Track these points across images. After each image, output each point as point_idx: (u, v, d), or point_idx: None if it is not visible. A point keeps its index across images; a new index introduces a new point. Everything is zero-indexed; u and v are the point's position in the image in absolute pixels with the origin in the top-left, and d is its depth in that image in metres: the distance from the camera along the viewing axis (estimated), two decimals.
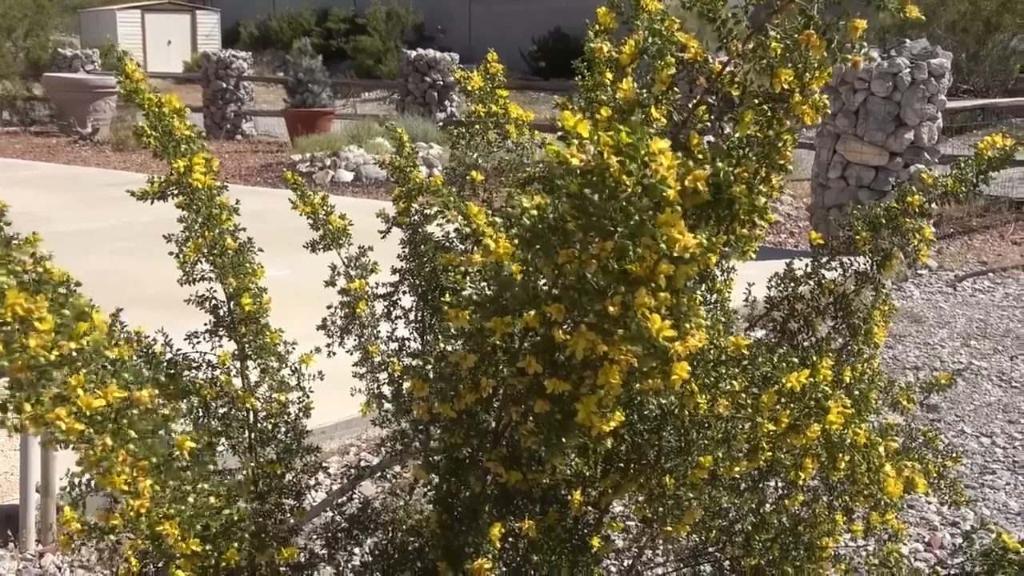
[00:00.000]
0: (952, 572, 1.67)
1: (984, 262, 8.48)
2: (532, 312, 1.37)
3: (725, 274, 2.29)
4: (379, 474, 3.75)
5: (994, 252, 8.88)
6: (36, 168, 13.25)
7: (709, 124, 1.62)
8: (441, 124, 14.07)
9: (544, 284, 1.38)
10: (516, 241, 1.34)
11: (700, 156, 1.40)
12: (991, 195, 10.57)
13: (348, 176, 12.31)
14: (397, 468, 3.29)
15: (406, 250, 2.46)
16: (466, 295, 1.48)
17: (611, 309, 1.25)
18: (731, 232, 1.47)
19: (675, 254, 1.17)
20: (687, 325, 1.32)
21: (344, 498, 2.45)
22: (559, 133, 1.21)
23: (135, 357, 1.72)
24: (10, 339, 1.44)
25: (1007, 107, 10.99)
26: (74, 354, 1.48)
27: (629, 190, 1.14)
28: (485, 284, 1.55)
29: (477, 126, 2.55)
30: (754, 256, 1.63)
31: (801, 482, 2.10)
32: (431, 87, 15.34)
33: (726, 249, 1.52)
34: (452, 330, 1.57)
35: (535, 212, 1.31)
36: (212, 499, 1.70)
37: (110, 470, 1.48)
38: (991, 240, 9.34)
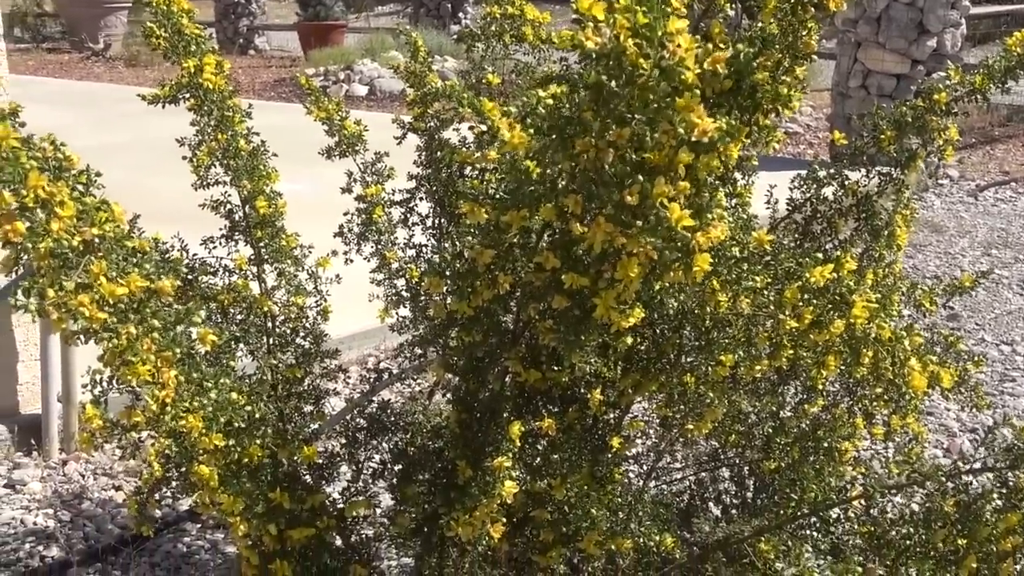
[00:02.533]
0: (973, 467, 1.66)
1: (1006, 171, 8.38)
2: (549, 205, 1.35)
3: (746, 178, 2.26)
4: (398, 383, 3.77)
5: (1016, 162, 8.77)
6: (48, 85, 13.16)
7: (732, 13, 1.58)
8: (456, 37, 13.90)
9: (561, 176, 1.36)
10: (532, 131, 1.31)
11: (721, 44, 1.37)
12: (1014, 104, 10.42)
13: (362, 90, 12.20)
14: (416, 378, 3.30)
15: (422, 156, 2.43)
16: (482, 189, 1.45)
17: (629, 199, 1.23)
18: (754, 123, 1.44)
19: (694, 138, 1.14)
20: (708, 216, 1.29)
21: (365, 401, 2.45)
22: (574, 17, 1.18)
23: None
24: (34, 224, 1.44)
25: None
26: (96, 241, 1.48)
27: (647, 74, 1.11)
28: (502, 179, 1.52)
29: (493, 28, 2.51)
30: (777, 147, 1.59)
31: (822, 383, 2.10)
32: None
33: (747, 141, 1.48)
34: (469, 227, 1.55)
35: (551, 101, 1.28)
36: (234, 395, 1.70)
37: (134, 361, 1.48)
38: (1013, 149, 9.23)
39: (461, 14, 15.15)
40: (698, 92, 1.14)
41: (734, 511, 2.45)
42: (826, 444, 2.14)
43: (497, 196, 1.45)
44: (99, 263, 1.48)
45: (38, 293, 1.43)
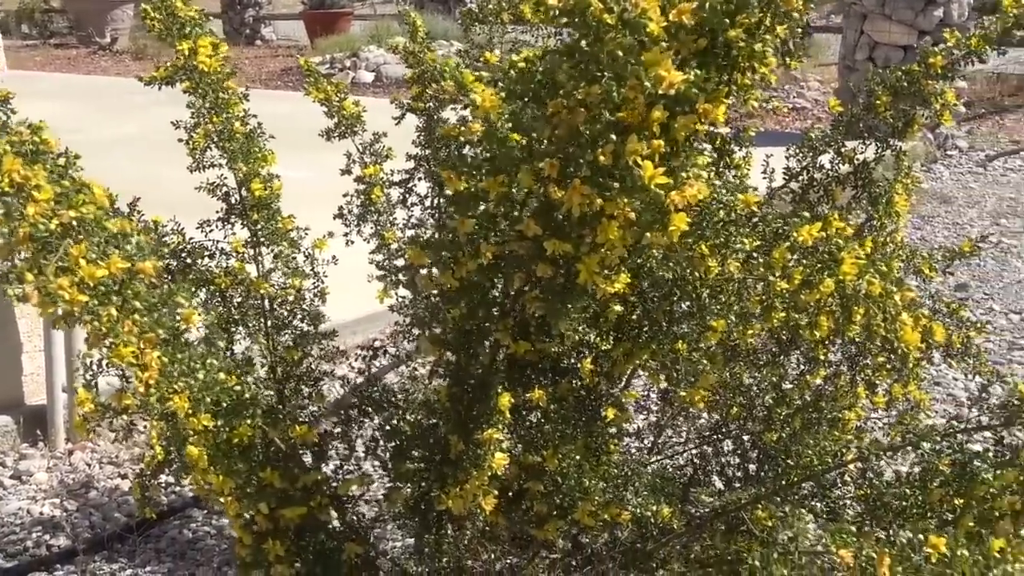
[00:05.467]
0: (969, 426, 1.64)
1: (1016, 141, 8.32)
2: (527, 169, 1.34)
3: (744, 149, 2.24)
4: (399, 366, 3.76)
5: None
6: (56, 80, 13.18)
7: None
8: (459, 20, 13.87)
9: (538, 141, 1.34)
10: (504, 95, 1.29)
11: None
12: None
13: (368, 77, 12.20)
14: (418, 360, 3.29)
15: (421, 137, 2.42)
16: (460, 157, 1.44)
17: (603, 159, 1.21)
18: (733, 82, 1.42)
19: (661, 91, 1.12)
20: (684, 175, 1.28)
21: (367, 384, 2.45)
22: None
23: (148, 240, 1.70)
24: (9, 208, 1.43)
25: None
26: (74, 224, 1.47)
27: (612, 28, 1.09)
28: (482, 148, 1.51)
29: (491, 7, 2.50)
30: (755, 106, 1.58)
31: (823, 354, 2.08)
32: None
33: (728, 101, 1.46)
34: (452, 198, 1.53)
35: (523, 65, 1.26)
36: (222, 375, 1.69)
37: (116, 343, 1.48)
38: (1023, 119, 9.16)
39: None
40: (664, 45, 1.12)
41: (737, 483, 2.44)
42: (828, 414, 2.13)
43: (474, 162, 1.43)
44: (78, 245, 1.47)
45: (16, 277, 1.43)
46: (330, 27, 15.07)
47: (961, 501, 1.63)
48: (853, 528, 1.52)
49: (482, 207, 1.51)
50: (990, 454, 1.65)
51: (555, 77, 1.25)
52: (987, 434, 1.72)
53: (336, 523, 1.99)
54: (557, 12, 1.13)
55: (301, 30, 16.43)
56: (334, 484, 1.97)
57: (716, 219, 1.60)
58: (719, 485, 2.45)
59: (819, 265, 1.58)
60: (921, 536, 1.47)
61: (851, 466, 1.91)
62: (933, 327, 1.72)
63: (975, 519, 1.60)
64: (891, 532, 1.59)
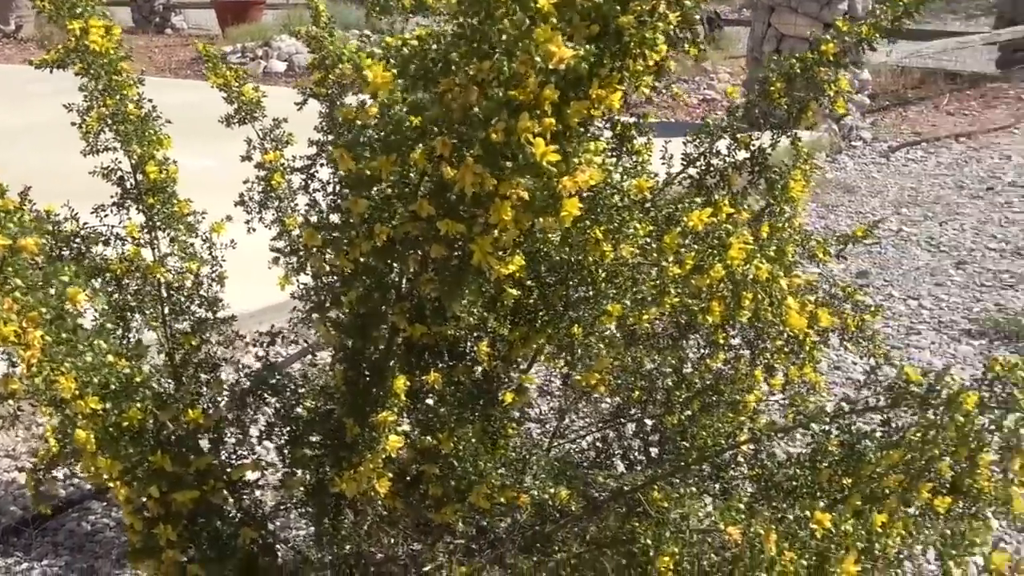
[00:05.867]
0: (858, 408, 1.67)
1: (918, 132, 8.51)
2: (419, 149, 1.33)
3: (646, 137, 2.26)
4: (306, 355, 3.73)
5: (928, 122, 8.92)
6: None
7: None
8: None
9: (430, 119, 1.34)
10: (396, 72, 1.29)
11: None
12: (927, 67, 10.59)
13: (281, 66, 12.04)
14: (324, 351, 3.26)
15: (323, 122, 2.40)
16: (352, 137, 1.43)
17: (495, 137, 1.21)
18: (624, 68, 1.42)
19: (551, 66, 1.13)
20: (576, 160, 1.28)
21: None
22: None
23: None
24: None
25: None
26: None
27: (504, 6, 1.10)
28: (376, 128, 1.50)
29: None
30: (646, 92, 1.59)
31: (723, 338, 2.10)
32: None
33: (622, 87, 1.47)
34: (346, 179, 1.52)
35: (415, 43, 1.26)
36: (111, 357, 1.66)
37: None
38: (925, 111, 9.38)
39: None
40: (554, 21, 1.13)
41: (639, 466, 2.46)
42: (728, 397, 2.15)
43: (366, 140, 1.43)
44: None
45: None
46: (242, 16, 14.86)
47: (849, 480, 1.67)
48: (742, 506, 1.54)
49: (376, 188, 1.50)
50: (877, 434, 1.69)
51: (448, 55, 1.25)
52: (876, 415, 1.76)
53: (232, 509, 1.97)
54: None
55: (213, 19, 16.17)
56: (228, 470, 1.95)
57: (610, 204, 1.61)
58: (621, 468, 2.47)
59: (709, 250, 1.60)
60: (808, 513, 1.50)
61: (745, 447, 1.94)
62: (818, 313, 1.76)
63: (863, 497, 1.64)
64: (781, 510, 1.62)
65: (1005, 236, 5.73)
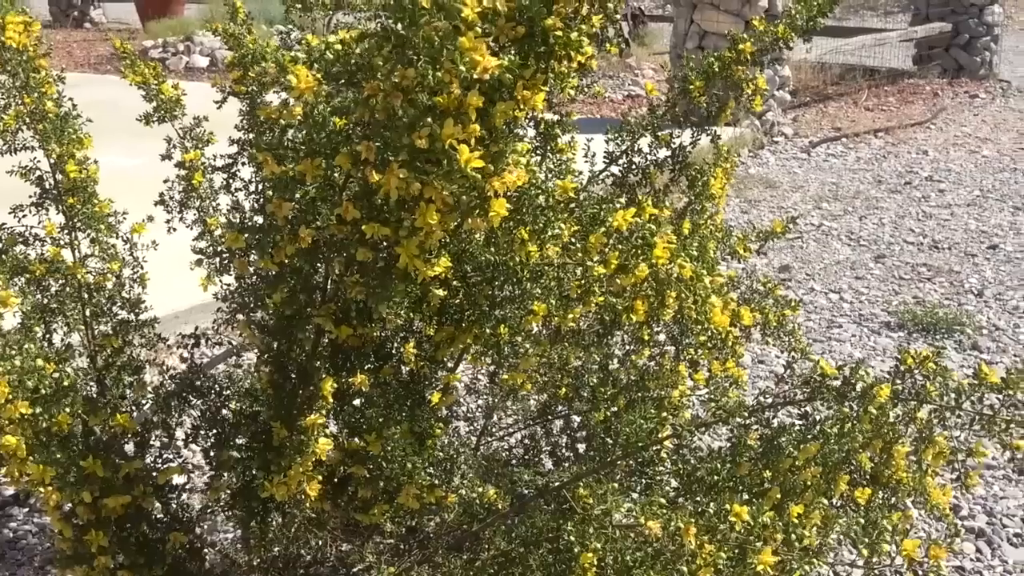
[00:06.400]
0: (776, 402, 1.71)
1: (838, 128, 8.66)
2: (344, 152, 1.34)
3: (570, 135, 2.28)
4: (232, 356, 3.70)
5: (848, 118, 9.07)
6: None
7: None
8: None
9: (355, 123, 1.35)
10: (320, 76, 1.29)
11: None
12: (847, 64, 10.77)
13: (203, 61, 11.90)
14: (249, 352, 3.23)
15: (244, 121, 2.38)
16: (276, 140, 1.43)
17: (419, 143, 1.22)
18: (550, 70, 1.44)
19: (476, 75, 1.14)
20: (503, 162, 1.30)
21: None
22: None
23: None
24: None
25: None
26: None
27: (428, 14, 1.11)
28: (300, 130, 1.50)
29: None
30: (572, 93, 1.61)
31: (648, 334, 2.13)
32: None
33: (546, 88, 1.49)
34: (270, 181, 1.52)
35: (338, 47, 1.26)
36: (40, 361, 1.65)
37: None
38: (845, 107, 9.54)
39: None
40: (479, 30, 1.14)
41: (567, 462, 2.49)
42: (653, 393, 2.18)
43: (290, 144, 1.43)
44: None
45: None
46: (163, 10, 14.65)
47: (769, 473, 1.70)
48: (664, 501, 1.57)
49: (300, 191, 1.50)
50: (796, 428, 1.73)
51: (371, 59, 1.25)
52: (795, 409, 1.80)
53: (160, 513, 1.96)
54: None
55: (133, 13, 15.92)
56: (156, 474, 1.94)
57: (535, 205, 1.62)
58: (549, 464, 2.49)
59: (633, 250, 1.62)
60: (727, 506, 1.53)
61: (668, 443, 1.97)
62: (741, 310, 1.79)
63: (782, 490, 1.68)
64: (702, 504, 1.65)
65: (922, 230, 5.86)
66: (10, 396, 1.56)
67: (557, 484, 1.85)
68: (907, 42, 11.22)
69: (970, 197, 6.58)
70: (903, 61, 11.41)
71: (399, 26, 1.23)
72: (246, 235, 1.56)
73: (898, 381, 1.55)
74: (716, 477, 1.73)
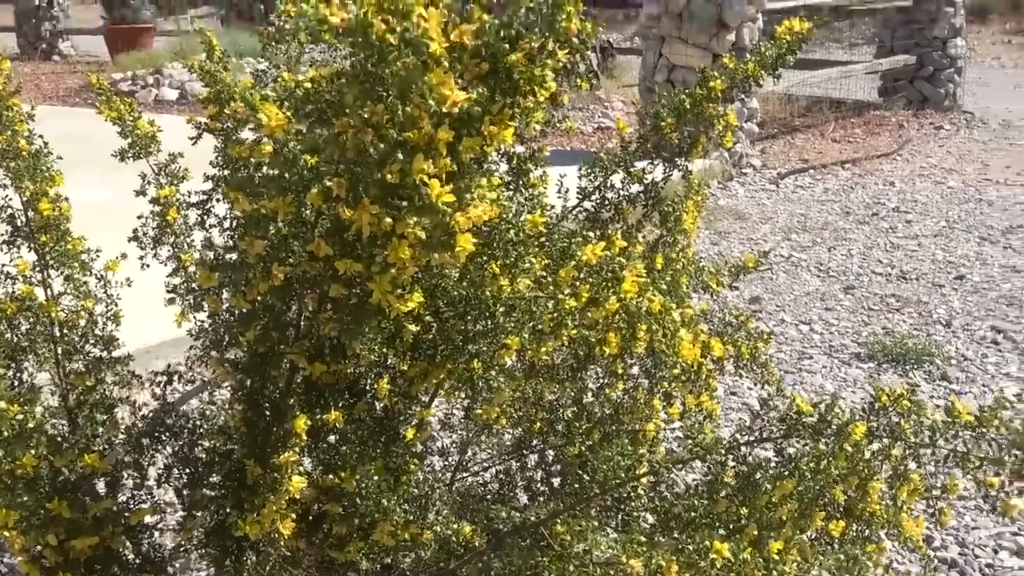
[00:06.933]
0: (751, 439, 1.71)
1: (805, 159, 8.74)
2: (315, 189, 1.34)
3: (539, 169, 2.28)
4: (203, 391, 3.68)
5: (815, 150, 9.16)
6: None
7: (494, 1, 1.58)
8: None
9: (326, 160, 1.34)
10: (291, 114, 1.29)
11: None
12: (813, 96, 10.88)
13: (173, 94, 11.89)
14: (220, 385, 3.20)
15: (219, 157, 2.38)
16: (246, 177, 1.43)
17: (390, 178, 1.22)
18: (515, 105, 1.45)
19: (445, 110, 1.14)
20: (468, 196, 1.30)
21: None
22: None
23: None
24: None
25: (827, 7, 11.27)
26: None
27: (396, 50, 1.11)
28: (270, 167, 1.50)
29: (288, 27, 2.47)
30: (537, 128, 1.61)
31: (621, 367, 2.13)
32: (258, 0, 14.89)
33: (513, 124, 1.49)
34: (242, 218, 1.52)
35: (308, 85, 1.26)
36: (2, 403, 1.63)
37: None
38: (812, 139, 9.63)
39: (274, 16, 14.92)
40: (447, 65, 1.14)
41: (542, 497, 2.48)
42: (628, 427, 2.18)
43: (261, 181, 1.42)
44: None
45: None
46: (132, 42, 14.65)
47: (746, 510, 1.70)
48: (643, 538, 1.56)
49: (273, 228, 1.50)
50: (772, 463, 1.73)
51: (342, 97, 1.25)
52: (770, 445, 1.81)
53: (131, 555, 1.94)
54: (340, 32, 1.14)
55: (102, 46, 15.90)
56: (127, 514, 1.91)
57: (506, 239, 1.63)
58: (524, 500, 2.48)
59: (603, 283, 1.63)
60: (707, 543, 1.53)
61: (644, 479, 1.97)
62: (711, 342, 1.80)
63: (759, 526, 1.68)
64: (681, 541, 1.65)
65: (890, 261, 5.91)
66: None
67: (534, 520, 1.84)
68: (872, 74, 11.35)
69: (937, 228, 6.65)
70: (869, 93, 11.54)
71: (368, 63, 1.23)
72: (218, 273, 1.55)
73: (873, 418, 1.55)
74: (693, 513, 1.73)
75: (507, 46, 1.28)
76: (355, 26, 1.12)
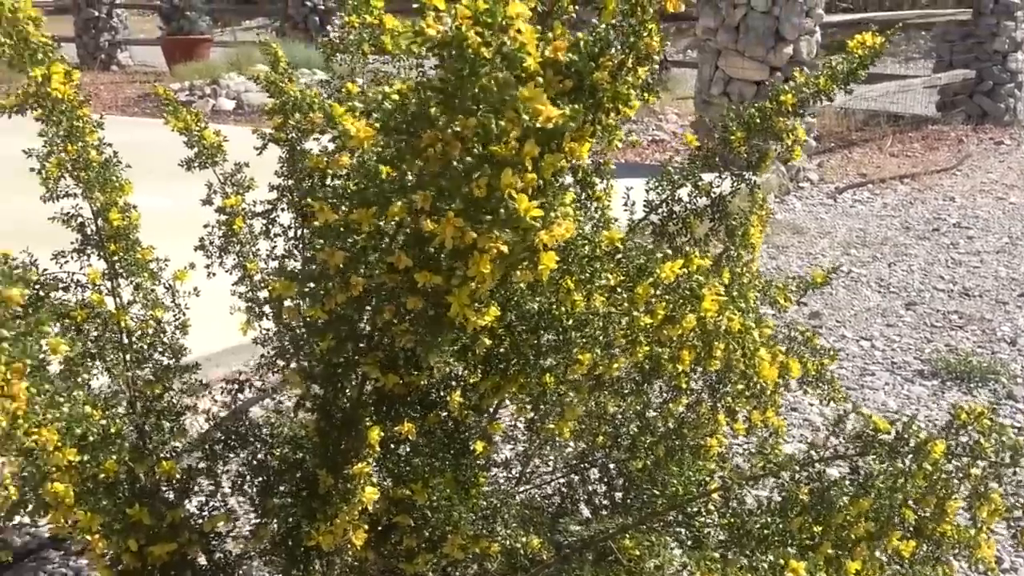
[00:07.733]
0: (826, 456, 1.70)
1: (863, 174, 8.66)
2: (399, 202, 1.34)
3: (605, 181, 2.28)
4: (264, 399, 3.70)
5: (873, 164, 9.07)
6: None
7: (574, 14, 1.59)
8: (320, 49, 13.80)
9: (410, 173, 1.35)
10: (378, 126, 1.30)
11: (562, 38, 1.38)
12: (871, 109, 10.79)
13: (229, 104, 12.02)
14: (283, 393, 3.23)
15: (283, 167, 2.40)
16: (331, 189, 1.44)
17: (477, 192, 1.23)
18: (597, 122, 1.45)
19: (539, 124, 1.14)
20: (552, 214, 1.30)
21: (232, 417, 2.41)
22: (415, 6, 1.17)
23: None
24: None
25: (884, 21, 11.18)
26: None
27: (489, 65, 1.11)
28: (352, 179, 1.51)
29: (352, 37, 2.49)
30: (620, 145, 1.61)
31: (685, 382, 2.12)
32: (312, 11, 15.02)
33: (592, 140, 1.49)
34: (321, 229, 1.53)
35: (396, 97, 1.27)
36: (88, 408, 1.65)
37: None
38: (870, 153, 9.55)
39: (329, 27, 15.04)
40: (541, 80, 1.15)
41: (604, 511, 2.47)
42: (691, 441, 2.17)
43: (345, 193, 1.43)
44: None
45: None
46: (189, 53, 14.84)
47: (819, 528, 1.69)
48: (716, 555, 1.55)
49: (351, 239, 1.51)
50: (846, 481, 1.71)
51: (429, 110, 1.26)
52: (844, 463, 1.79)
53: (203, 560, 1.95)
54: (433, 44, 1.14)
55: (159, 55, 16.11)
56: (198, 521, 1.93)
57: (581, 255, 1.63)
58: (586, 513, 2.48)
59: (681, 301, 1.62)
60: (783, 561, 1.52)
61: (716, 494, 1.96)
62: (790, 363, 1.79)
63: (833, 544, 1.66)
64: (754, 558, 1.64)
65: (952, 277, 5.84)
66: (58, 443, 1.56)
67: (604, 534, 1.83)
68: (931, 88, 11.24)
69: (999, 244, 6.56)
70: (926, 107, 11.43)
71: (458, 76, 1.23)
72: (297, 283, 1.56)
73: (951, 436, 1.54)
74: (767, 531, 1.72)
75: (592, 64, 1.28)
76: (451, 39, 1.12)
